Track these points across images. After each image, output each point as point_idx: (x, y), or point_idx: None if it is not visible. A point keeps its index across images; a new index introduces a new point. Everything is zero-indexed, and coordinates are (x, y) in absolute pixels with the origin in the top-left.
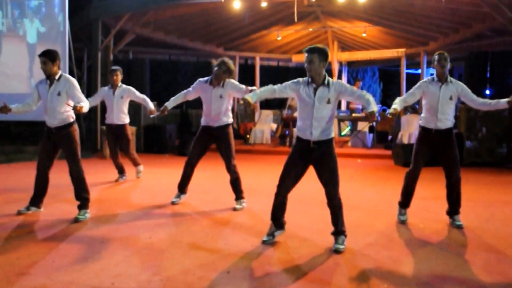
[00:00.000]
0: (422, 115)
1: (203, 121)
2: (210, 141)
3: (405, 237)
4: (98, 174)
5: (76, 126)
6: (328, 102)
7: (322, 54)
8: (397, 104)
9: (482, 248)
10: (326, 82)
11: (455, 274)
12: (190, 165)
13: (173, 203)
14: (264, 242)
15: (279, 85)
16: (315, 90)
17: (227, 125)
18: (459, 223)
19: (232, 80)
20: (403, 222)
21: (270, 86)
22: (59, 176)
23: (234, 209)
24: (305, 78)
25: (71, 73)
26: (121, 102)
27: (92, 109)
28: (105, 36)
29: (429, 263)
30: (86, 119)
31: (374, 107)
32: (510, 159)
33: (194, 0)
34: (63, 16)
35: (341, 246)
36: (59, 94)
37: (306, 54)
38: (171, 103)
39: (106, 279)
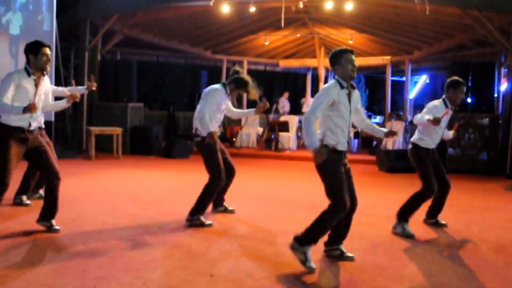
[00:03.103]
0: (423, 135)
1: None
2: None
3: (388, 242)
4: (83, 175)
5: None
6: (355, 108)
7: None
8: (429, 117)
9: (462, 253)
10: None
11: (436, 279)
12: None
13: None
14: (313, 269)
15: (316, 113)
16: (348, 95)
17: None
18: (444, 223)
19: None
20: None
21: (310, 124)
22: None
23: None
24: (334, 83)
25: (57, 72)
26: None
27: (78, 109)
28: (93, 36)
29: (411, 268)
30: (71, 119)
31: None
32: (490, 166)
33: (183, 3)
34: (50, 14)
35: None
36: (45, 92)
37: (352, 55)
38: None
39: (88, 281)
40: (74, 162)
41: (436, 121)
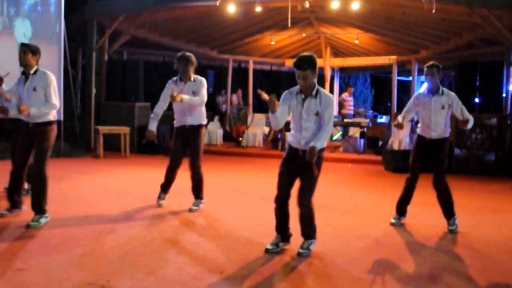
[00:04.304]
0: (419, 124)
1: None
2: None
3: (394, 241)
4: (92, 173)
5: (54, 126)
6: (316, 114)
7: (314, 67)
8: (399, 118)
9: (469, 254)
10: (314, 93)
11: (443, 279)
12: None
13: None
14: (267, 251)
15: (278, 110)
16: (303, 101)
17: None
18: (450, 228)
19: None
20: (393, 225)
21: (273, 117)
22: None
23: (190, 210)
24: (294, 88)
25: (65, 72)
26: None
27: (86, 108)
28: (100, 36)
29: (417, 267)
30: (80, 118)
31: (318, 143)
32: (498, 167)
33: (189, 3)
34: (58, 15)
35: (303, 251)
36: (34, 89)
37: (298, 71)
38: (153, 124)
39: (101, 276)
40: (83, 160)
41: (397, 126)
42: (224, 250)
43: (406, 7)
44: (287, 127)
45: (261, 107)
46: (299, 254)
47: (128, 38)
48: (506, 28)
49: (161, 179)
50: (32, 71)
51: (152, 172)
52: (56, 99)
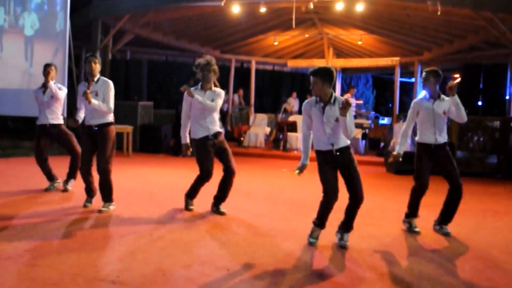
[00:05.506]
0: (418, 132)
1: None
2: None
3: (397, 242)
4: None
5: (113, 127)
6: (336, 120)
7: (323, 76)
8: (399, 146)
9: (472, 255)
10: (332, 100)
11: (445, 279)
12: None
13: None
14: (312, 244)
15: (303, 129)
16: (323, 108)
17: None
18: (448, 231)
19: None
20: (416, 233)
21: (303, 140)
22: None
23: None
24: (312, 98)
25: (69, 71)
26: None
27: None
28: (104, 36)
29: (420, 267)
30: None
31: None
32: (500, 169)
33: (193, 3)
34: (64, 15)
35: (347, 243)
36: (96, 94)
37: (310, 77)
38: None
39: (111, 272)
40: None
41: (394, 157)
42: (230, 248)
43: (410, 9)
44: (288, 127)
45: (263, 107)
46: (345, 246)
47: (132, 37)
48: (510, 31)
49: (165, 177)
50: (95, 79)
51: (155, 170)
52: (112, 105)
